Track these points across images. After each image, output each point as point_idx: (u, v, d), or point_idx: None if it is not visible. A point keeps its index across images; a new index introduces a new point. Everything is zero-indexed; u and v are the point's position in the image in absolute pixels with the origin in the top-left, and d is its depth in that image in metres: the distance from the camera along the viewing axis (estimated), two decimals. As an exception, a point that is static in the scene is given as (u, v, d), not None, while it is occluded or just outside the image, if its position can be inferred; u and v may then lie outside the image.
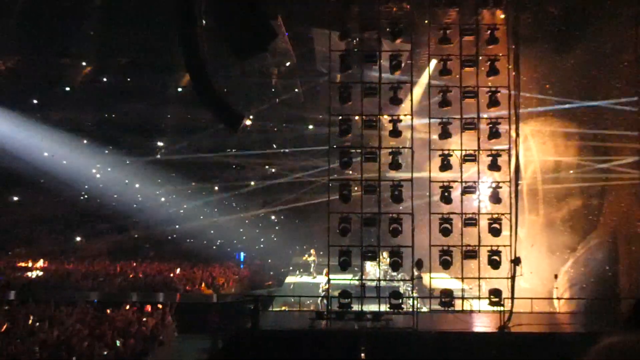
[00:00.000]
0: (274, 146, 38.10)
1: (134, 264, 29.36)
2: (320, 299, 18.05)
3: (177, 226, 35.01)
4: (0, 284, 22.37)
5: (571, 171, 20.36)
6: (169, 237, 35.13)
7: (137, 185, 39.42)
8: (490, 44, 15.75)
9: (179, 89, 40.42)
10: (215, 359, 14.81)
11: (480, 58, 15.74)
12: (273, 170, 39.19)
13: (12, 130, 42.37)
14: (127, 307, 18.59)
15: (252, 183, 39.21)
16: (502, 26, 15.88)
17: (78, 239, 35.77)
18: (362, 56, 15.81)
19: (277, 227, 35.79)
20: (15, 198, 39.16)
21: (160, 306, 19.08)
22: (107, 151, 43.27)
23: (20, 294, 21.84)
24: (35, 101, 44.64)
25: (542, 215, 20.81)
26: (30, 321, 16.41)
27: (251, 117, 19.67)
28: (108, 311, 18.16)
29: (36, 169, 41.00)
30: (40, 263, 28.82)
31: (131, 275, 25.87)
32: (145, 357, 14.49)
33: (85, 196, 39.56)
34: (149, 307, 18.79)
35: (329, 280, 16.34)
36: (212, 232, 35.05)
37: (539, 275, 18.89)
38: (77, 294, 22.18)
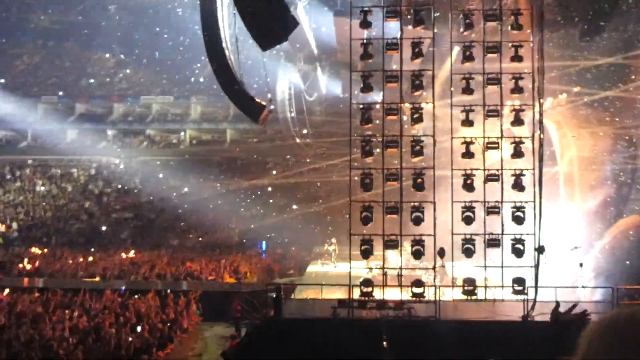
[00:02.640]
0: (297, 140, 38.15)
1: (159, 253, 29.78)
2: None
3: (199, 215, 35.32)
4: None
5: (605, 157, 20.08)
6: (192, 226, 35.49)
7: (160, 175, 39.87)
8: (514, 30, 15.50)
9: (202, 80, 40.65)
10: (238, 347, 14.99)
11: (504, 44, 15.49)
12: (294, 160, 39.27)
13: (39, 121, 43.21)
14: (153, 295, 18.91)
15: (274, 172, 39.39)
16: (526, 11, 15.61)
17: (104, 228, 36.35)
18: (384, 44, 15.69)
19: (299, 216, 35.90)
20: (43, 188, 39.87)
21: (184, 294, 19.36)
22: (131, 142, 43.79)
23: (49, 282, 22.40)
24: (60, 93, 45.41)
25: (578, 202, 20.56)
26: (60, 308, 16.83)
27: (272, 107, 19.60)
28: (134, 299, 18.51)
29: (62, 158, 41.78)
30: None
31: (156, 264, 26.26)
32: (170, 343, 14.75)
33: (116, 186, 40.15)
34: (173, 296, 19.09)
35: (371, 268, 16.32)
36: (233, 220, 35.33)
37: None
38: (103, 282, 22.65)
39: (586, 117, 20.62)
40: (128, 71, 48.55)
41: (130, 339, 13.85)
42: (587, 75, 20.27)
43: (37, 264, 26.36)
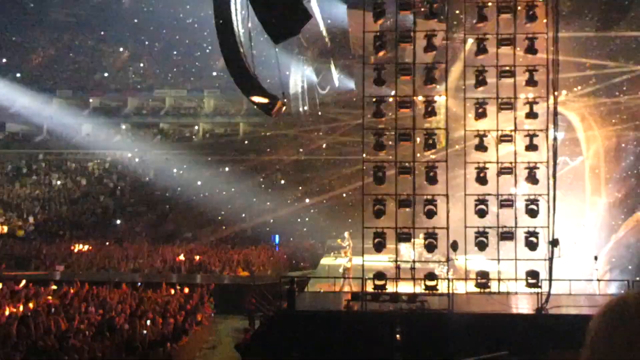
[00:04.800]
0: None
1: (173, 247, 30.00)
2: (342, 279, 18.30)
3: (212, 208, 35.50)
4: None
5: (629, 149, 19.94)
6: (206, 220, 35.69)
7: (174, 170, 40.10)
8: (529, 22, 15.34)
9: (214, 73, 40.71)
10: (252, 339, 15.10)
11: (518, 37, 15.35)
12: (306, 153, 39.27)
13: (55, 115, 43.62)
14: (167, 288, 19.08)
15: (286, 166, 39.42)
16: (541, 3, 15.44)
17: (118, 222, 36.68)
18: (397, 37, 15.62)
19: (311, 210, 35.98)
20: (59, 182, 40.30)
21: (198, 288, 19.52)
22: (145, 135, 44.04)
23: (66, 274, 22.70)
24: (74, 87, 45.80)
25: (604, 195, 20.42)
26: (77, 300, 17.06)
27: (285, 100, 19.60)
28: (149, 292, 18.70)
29: (77, 151, 42.18)
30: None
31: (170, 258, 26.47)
32: (185, 336, 14.89)
33: (130, 180, 40.47)
34: (187, 289, 19.26)
35: (350, 259, 16.48)
36: (246, 214, 35.49)
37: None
38: (119, 275, 22.90)
39: (609, 110, 20.45)
40: (142, 65, 48.80)
41: (144, 331, 14.00)
42: (599, 67, 20.08)
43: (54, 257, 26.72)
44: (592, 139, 20.99)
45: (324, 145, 39.03)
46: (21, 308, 15.67)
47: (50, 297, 17.52)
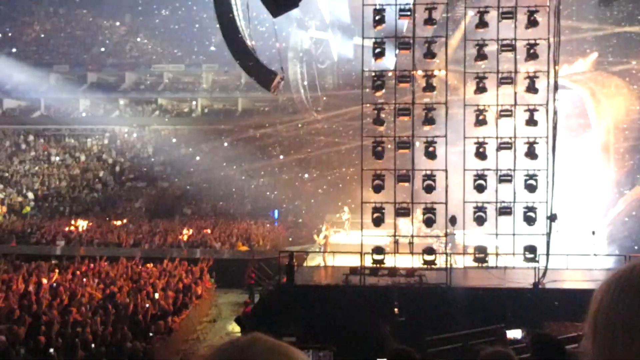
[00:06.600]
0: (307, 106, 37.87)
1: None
2: (321, 255, 18.64)
3: (212, 183, 35.51)
4: None
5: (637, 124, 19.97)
6: (205, 195, 35.70)
7: (174, 140, 40.03)
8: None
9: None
10: (251, 312, 15.25)
11: (519, 10, 15.15)
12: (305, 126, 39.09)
13: (52, 90, 43.34)
14: (168, 262, 19.20)
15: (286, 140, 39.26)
16: (542, -25, 15.22)
17: (118, 197, 36.71)
18: (397, 10, 15.43)
19: (310, 185, 35.99)
20: (57, 157, 40.23)
21: (199, 262, 19.63)
22: (143, 110, 43.83)
23: (66, 250, 22.83)
24: (71, 62, 45.42)
25: (612, 170, 20.50)
26: (78, 275, 17.18)
27: (283, 75, 19.34)
28: (149, 266, 18.83)
29: (75, 127, 42.01)
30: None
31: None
32: (185, 309, 15.04)
33: (129, 155, 40.40)
34: (187, 264, 19.37)
35: (325, 236, 16.64)
36: (247, 189, 35.52)
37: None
38: (120, 250, 23.03)
39: (617, 84, 20.35)
40: (139, 39, 48.32)
41: (146, 305, 14.13)
42: (612, 41, 19.92)
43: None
44: (602, 113, 20.96)
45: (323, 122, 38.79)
46: (23, 283, 15.78)
47: (51, 272, 17.63)
